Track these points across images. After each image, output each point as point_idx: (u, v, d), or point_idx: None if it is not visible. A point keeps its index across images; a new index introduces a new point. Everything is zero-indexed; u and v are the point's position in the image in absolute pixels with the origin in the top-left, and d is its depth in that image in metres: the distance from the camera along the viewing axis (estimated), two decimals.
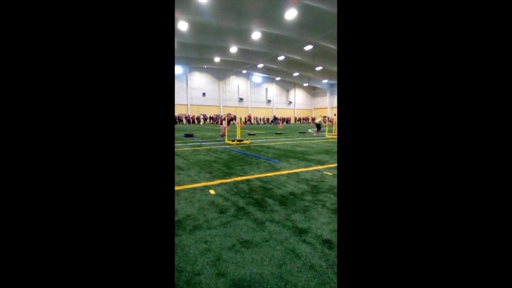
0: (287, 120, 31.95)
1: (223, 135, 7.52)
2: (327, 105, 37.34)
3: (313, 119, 18.60)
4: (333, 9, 12.37)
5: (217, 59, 23.42)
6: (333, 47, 18.47)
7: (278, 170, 3.36)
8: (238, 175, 3.03)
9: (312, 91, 38.94)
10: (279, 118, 29.86)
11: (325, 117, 12.15)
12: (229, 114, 7.84)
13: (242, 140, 6.88)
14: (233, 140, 6.81)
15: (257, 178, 2.90)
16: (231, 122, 7.57)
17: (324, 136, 9.31)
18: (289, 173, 3.20)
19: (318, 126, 10.88)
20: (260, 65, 25.65)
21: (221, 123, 7.64)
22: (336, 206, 2.03)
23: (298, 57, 21.33)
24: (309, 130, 13.87)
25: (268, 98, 34.17)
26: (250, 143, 6.81)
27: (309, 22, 14.93)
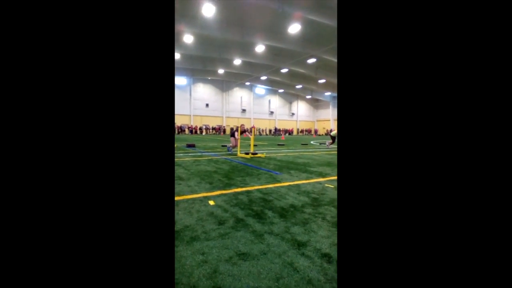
0: (290, 132, 32.02)
1: (234, 147, 7.02)
2: (329, 117, 37.48)
3: (329, 131, 17.87)
4: (334, 23, 12.66)
5: (221, 71, 23.86)
6: (336, 60, 18.72)
7: (279, 181, 3.35)
8: (238, 186, 3.02)
9: (315, 103, 39.24)
10: (281, 129, 29.96)
11: None
12: (242, 125, 7.07)
13: (256, 153, 6.30)
14: (246, 153, 6.26)
15: (258, 190, 2.89)
16: (244, 134, 7.06)
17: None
18: (290, 185, 3.19)
19: (334, 138, 10.46)
20: (264, 77, 26.04)
21: (233, 135, 6.98)
22: (336, 219, 2.00)
23: (301, 70, 21.67)
24: (311, 142, 13.87)
25: (271, 110, 34.44)
26: (265, 156, 6.28)
27: (312, 36, 15.26)
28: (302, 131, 34.71)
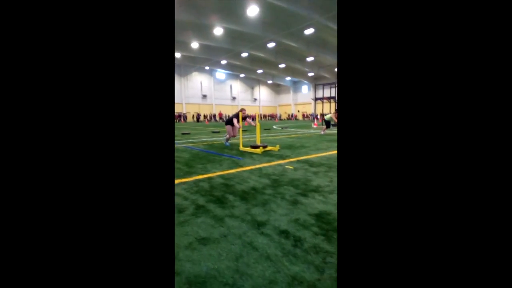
0: (253, 117, 32.22)
1: (231, 137, 5.63)
2: (290, 102, 38.48)
3: (322, 116, 15.62)
4: (294, 8, 12.76)
5: (177, 55, 22.54)
6: (295, 45, 19.06)
7: (241, 166, 3.38)
8: (199, 174, 2.98)
9: (277, 88, 39.79)
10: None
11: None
12: (243, 109, 5.41)
13: (266, 146, 4.81)
14: (254, 147, 4.71)
15: (219, 176, 2.89)
16: (246, 121, 5.55)
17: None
18: (251, 168, 3.25)
19: (328, 123, 8.90)
20: (224, 62, 25.37)
21: (229, 122, 5.53)
22: (295, 197, 2.12)
23: (261, 54, 21.59)
24: (274, 127, 14.19)
25: (233, 95, 34.01)
26: (279, 149, 4.91)
27: (271, 19, 15.18)
28: (265, 116, 35.17)
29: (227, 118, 5.78)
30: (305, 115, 35.20)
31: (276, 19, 15.13)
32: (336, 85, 17.52)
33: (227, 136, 5.68)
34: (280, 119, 33.55)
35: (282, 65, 26.56)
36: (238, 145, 5.62)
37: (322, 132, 8.93)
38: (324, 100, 19.30)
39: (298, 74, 31.66)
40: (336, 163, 3.52)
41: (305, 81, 34.78)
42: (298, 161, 3.76)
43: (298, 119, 35.03)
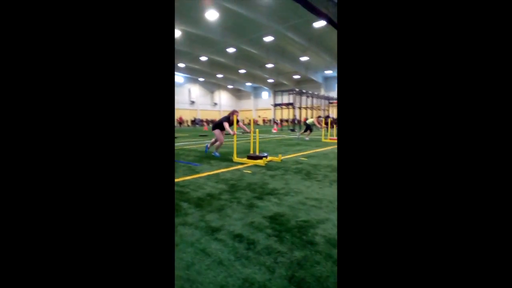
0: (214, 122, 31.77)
1: (219, 145, 4.60)
2: (251, 108, 39.04)
3: (304, 120, 15.38)
4: (253, 15, 13.09)
5: None
6: (255, 51, 19.49)
7: (197, 173, 3.31)
8: None
9: (237, 94, 40.02)
10: (204, 119, 29.41)
11: (319, 117, 9.80)
12: (235, 111, 4.57)
13: (266, 156, 4.11)
14: (255, 157, 3.99)
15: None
16: (238, 123, 4.45)
17: (320, 140, 8.16)
18: (209, 174, 3.20)
19: (309, 127, 8.63)
20: (182, 65, 24.67)
21: (217, 127, 4.59)
22: (251, 201, 2.15)
23: (221, 59, 21.56)
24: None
25: (192, 99, 33.19)
26: (282, 160, 4.28)
27: (230, 25, 15.32)
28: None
29: (216, 121, 4.72)
30: (265, 121, 36.05)
31: (236, 25, 15.34)
32: (295, 91, 18.36)
33: (217, 143, 4.61)
34: (307, 123, 33.69)
35: (242, 71, 26.90)
36: (228, 154, 4.74)
37: (307, 138, 8.71)
38: (283, 107, 20.06)
39: (258, 80, 32.39)
40: (292, 166, 3.68)
41: (266, 87, 35.72)
42: (256, 165, 3.82)
43: (259, 124, 35.66)
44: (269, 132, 14.64)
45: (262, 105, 38.12)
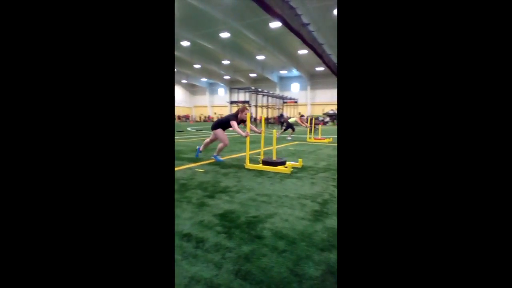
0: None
1: (222, 147, 3.91)
2: (207, 104, 38.21)
3: (283, 118, 14.46)
4: (209, 9, 12.80)
5: None
6: (210, 46, 19.11)
7: None
8: None
9: (192, 89, 38.74)
10: None
11: (302, 116, 9.42)
12: (245, 108, 3.89)
13: (284, 162, 3.42)
14: (274, 164, 3.33)
15: None
16: (300, 121, 4.10)
17: (305, 140, 7.90)
18: None
19: (290, 126, 8.35)
20: None
21: (218, 126, 3.89)
22: (201, 200, 2.14)
23: (175, 53, 20.59)
24: (188, 129, 13.76)
25: None
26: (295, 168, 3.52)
27: (185, 17, 14.72)
28: (179, 117, 33.57)
29: (219, 119, 3.96)
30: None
31: (191, 18, 14.81)
32: (251, 89, 18.59)
33: (220, 145, 3.84)
34: (196, 121, 32.80)
35: (197, 66, 26.13)
36: (235, 160, 4.03)
37: (289, 137, 8.32)
38: (239, 104, 20.18)
39: (214, 76, 31.84)
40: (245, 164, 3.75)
41: (222, 84, 35.34)
42: (210, 163, 3.79)
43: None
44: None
45: (218, 101, 37.62)
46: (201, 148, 4.22)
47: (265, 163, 3.43)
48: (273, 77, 31.61)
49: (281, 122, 17.63)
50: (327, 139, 7.98)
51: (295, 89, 32.90)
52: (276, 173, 3.20)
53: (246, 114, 3.72)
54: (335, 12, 14.65)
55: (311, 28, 14.29)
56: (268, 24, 15.95)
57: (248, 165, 3.48)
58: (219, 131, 3.87)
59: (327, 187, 2.64)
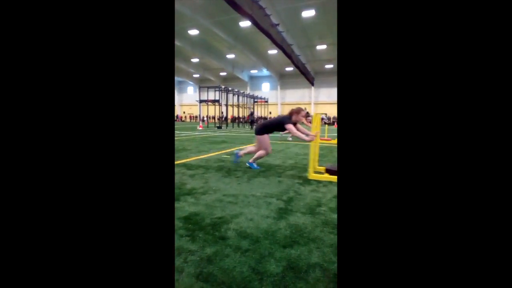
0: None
1: (263, 154, 3.40)
2: (176, 103, 37.02)
3: (252, 117, 13.55)
4: (176, 5, 12.40)
5: None
6: (179, 43, 18.53)
7: None
8: None
9: None
10: None
11: (309, 116, 8.48)
12: (300, 109, 3.31)
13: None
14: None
15: None
16: (305, 121, 3.41)
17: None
18: None
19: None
20: None
21: (264, 131, 3.37)
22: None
23: None
24: None
25: None
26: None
27: None
28: None
29: (265, 122, 3.44)
30: (192, 117, 34.90)
31: None
32: (221, 88, 18.39)
33: (261, 152, 3.35)
34: None
35: None
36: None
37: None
38: (209, 103, 19.85)
39: (183, 74, 30.97)
40: (213, 164, 3.71)
41: (191, 82, 34.51)
42: (177, 164, 3.69)
43: (184, 121, 34.19)
44: (194, 129, 14.28)
45: (187, 100, 36.69)
46: (241, 154, 3.67)
47: (330, 172, 2.96)
48: (244, 76, 31.65)
49: (252, 121, 17.73)
50: (333, 140, 7.61)
51: (265, 89, 33.30)
52: (244, 173, 3.22)
53: (303, 116, 3.23)
54: (304, 14, 15.13)
55: (280, 28, 14.58)
56: (238, 23, 15.92)
57: (312, 175, 2.95)
58: (264, 137, 3.34)
59: (293, 184, 2.73)
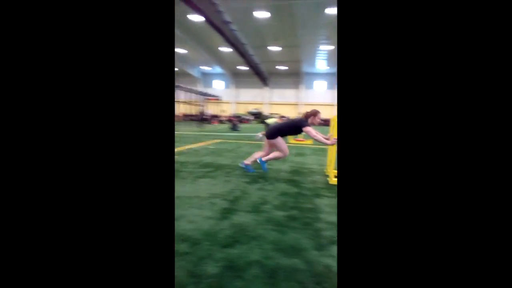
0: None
1: (280, 157, 3.16)
2: None
3: (204, 115, 12.38)
4: None
5: None
6: None
7: None
8: None
9: None
10: None
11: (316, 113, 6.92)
12: (317, 111, 3.14)
13: None
14: None
15: None
16: (311, 131, 2.94)
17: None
18: None
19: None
20: None
21: (278, 134, 3.13)
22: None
23: None
24: None
25: None
26: None
27: None
28: None
29: (279, 125, 3.28)
30: None
31: None
32: None
33: (278, 154, 3.12)
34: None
35: None
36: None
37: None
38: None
39: None
40: None
41: None
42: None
43: None
44: None
45: None
46: (264, 159, 3.24)
47: None
48: (195, 73, 30.76)
49: (202, 119, 17.34)
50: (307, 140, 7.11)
51: (219, 86, 32.92)
52: (190, 173, 3.12)
53: (319, 118, 3.13)
54: (257, 14, 15.39)
55: (233, 27, 14.57)
56: (186, 16, 15.38)
57: (333, 180, 2.85)
58: (279, 140, 3.11)
59: (239, 183, 2.75)
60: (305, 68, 28.26)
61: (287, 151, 3.16)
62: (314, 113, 3.10)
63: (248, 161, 3.31)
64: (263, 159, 3.21)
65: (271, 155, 3.17)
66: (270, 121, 7.58)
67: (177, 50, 22.98)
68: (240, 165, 3.41)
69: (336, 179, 2.87)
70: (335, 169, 2.93)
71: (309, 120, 3.09)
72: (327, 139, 2.90)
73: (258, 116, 22.79)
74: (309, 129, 2.98)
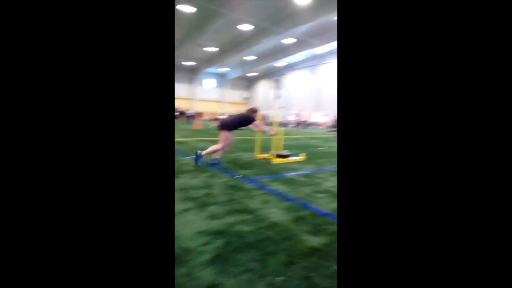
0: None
1: (224, 148, 3.57)
2: None
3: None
4: None
5: None
6: None
7: None
8: None
9: None
10: None
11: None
12: (254, 109, 3.79)
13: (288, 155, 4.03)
14: (283, 156, 3.92)
15: None
16: (260, 126, 3.65)
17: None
18: None
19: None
20: None
21: (229, 127, 3.51)
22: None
23: None
24: None
25: None
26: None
27: None
28: None
29: (228, 120, 3.67)
30: None
31: None
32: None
33: (218, 147, 3.41)
34: None
35: None
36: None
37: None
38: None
39: None
40: None
41: None
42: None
43: None
44: None
45: None
46: (203, 153, 3.44)
47: (279, 156, 3.98)
48: None
49: None
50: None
51: None
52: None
53: (257, 115, 3.74)
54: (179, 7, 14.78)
55: None
56: None
57: (276, 160, 3.86)
58: (225, 134, 3.45)
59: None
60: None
61: (230, 143, 3.64)
62: (254, 111, 3.72)
63: (205, 152, 3.43)
64: (203, 153, 3.37)
65: (214, 148, 3.40)
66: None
67: None
68: (215, 160, 3.54)
69: (278, 158, 3.88)
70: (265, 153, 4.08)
71: (252, 115, 3.67)
72: (273, 131, 3.81)
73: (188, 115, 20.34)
74: (258, 122, 3.63)
